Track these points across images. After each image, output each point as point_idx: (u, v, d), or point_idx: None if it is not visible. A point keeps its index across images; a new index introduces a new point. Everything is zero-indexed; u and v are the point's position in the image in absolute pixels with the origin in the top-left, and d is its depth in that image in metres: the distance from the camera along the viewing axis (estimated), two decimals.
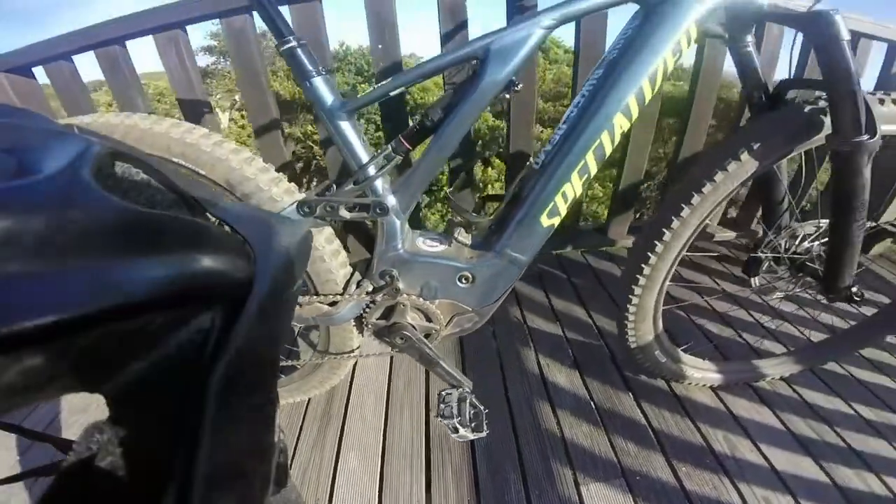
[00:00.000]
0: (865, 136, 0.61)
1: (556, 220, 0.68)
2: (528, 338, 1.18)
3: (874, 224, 1.53)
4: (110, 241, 0.15)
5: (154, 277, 0.16)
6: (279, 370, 0.26)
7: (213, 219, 0.26)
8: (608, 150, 0.64)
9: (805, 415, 0.94)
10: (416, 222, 1.34)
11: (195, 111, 1.11)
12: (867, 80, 1.30)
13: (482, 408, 0.81)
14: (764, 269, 0.86)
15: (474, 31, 1.00)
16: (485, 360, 1.11)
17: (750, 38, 0.66)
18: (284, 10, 0.99)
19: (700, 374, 0.96)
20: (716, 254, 1.53)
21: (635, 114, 0.62)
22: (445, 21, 1.08)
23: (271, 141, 1.18)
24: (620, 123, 0.62)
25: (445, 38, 1.09)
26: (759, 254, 0.84)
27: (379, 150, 0.68)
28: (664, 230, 0.73)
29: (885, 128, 0.65)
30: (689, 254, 0.79)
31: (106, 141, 0.21)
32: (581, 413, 0.96)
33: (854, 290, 0.74)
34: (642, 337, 0.87)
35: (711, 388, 1.00)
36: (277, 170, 0.72)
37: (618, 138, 0.63)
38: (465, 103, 0.63)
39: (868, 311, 1.05)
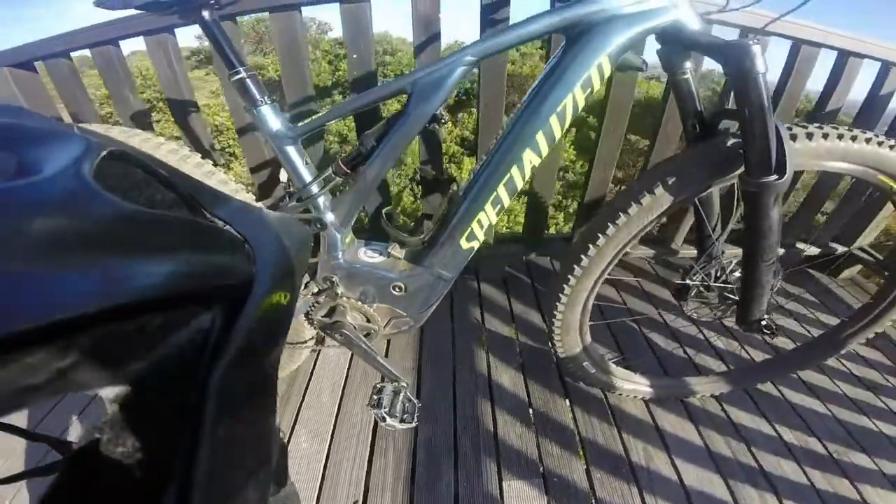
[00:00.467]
0: (772, 178, 0.61)
1: (475, 244, 0.74)
2: (483, 338, 1.25)
3: (846, 249, 1.53)
4: (110, 240, 0.15)
5: (154, 277, 0.16)
6: (278, 370, 0.27)
7: (214, 219, 0.26)
8: (519, 184, 0.68)
9: (727, 433, 0.99)
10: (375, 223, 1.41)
11: (183, 111, 1.19)
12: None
13: (416, 401, 0.89)
14: (693, 295, 0.90)
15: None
16: (440, 356, 1.19)
17: (688, 65, 0.68)
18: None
19: (631, 386, 1.02)
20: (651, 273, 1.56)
21: (545, 150, 0.66)
22: (419, 33, 1.11)
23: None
24: (530, 159, 0.66)
25: (419, 50, 1.13)
26: (688, 281, 0.88)
27: (321, 172, 0.75)
28: (581, 256, 0.78)
29: (804, 161, 0.67)
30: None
31: (106, 141, 0.21)
32: (517, 414, 1.03)
33: (764, 323, 0.78)
34: (569, 348, 0.93)
35: (643, 400, 1.05)
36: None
37: (528, 173, 0.68)
38: (395, 134, 0.68)
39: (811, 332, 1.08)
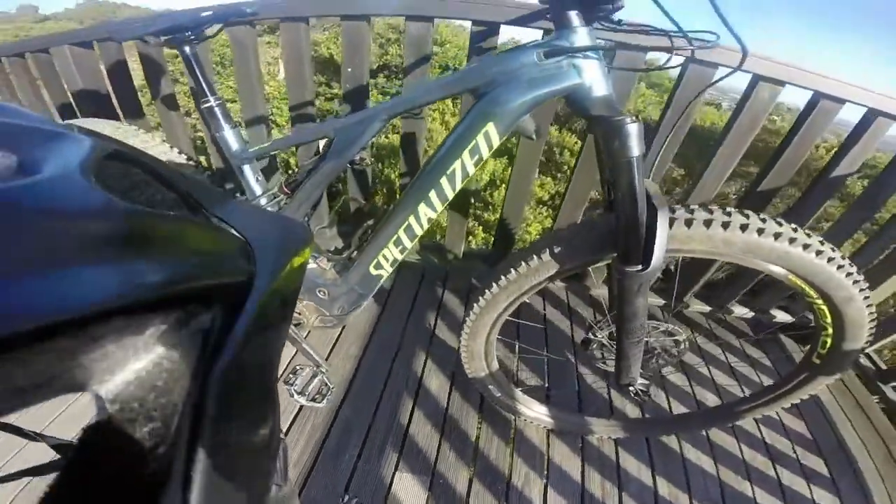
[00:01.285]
0: (636, 268, 0.64)
1: (383, 272, 0.86)
2: (428, 343, 1.38)
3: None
4: (110, 240, 0.15)
5: (154, 277, 0.16)
6: (278, 370, 0.27)
7: (214, 218, 0.26)
8: (417, 231, 0.78)
9: (608, 476, 1.08)
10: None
11: None
12: None
13: (330, 385, 1.04)
14: (594, 347, 0.97)
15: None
16: (384, 350, 1.33)
17: None
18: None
19: (532, 413, 1.12)
20: None
21: (438, 207, 0.75)
22: (410, 54, 1.20)
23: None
24: (425, 212, 0.76)
25: (408, 70, 1.21)
26: (591, 335, 0.95)
27: (268, 189, 0.89)
28: (479, 298, 0.87)
29: (684, 248, 0.67)
30: None
31: (106, 140, 0.22)
32: (432, 416, 1.17)
33: (632, 389, 0.85)
34: (474, 371, 1.03)
35: (545, 429, 1.15)
36: None
37: (425, 224, 0.77)
38: (321, 171, 0.80)
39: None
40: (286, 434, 1.08)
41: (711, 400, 1.30)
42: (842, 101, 1.02)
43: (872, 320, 0.71)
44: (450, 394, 1.23)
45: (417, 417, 1.16)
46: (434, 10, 1.12)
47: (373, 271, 0.86)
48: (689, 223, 0.66)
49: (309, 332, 1.03)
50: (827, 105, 1.03)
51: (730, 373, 1.41)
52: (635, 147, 0.56)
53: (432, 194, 0.74)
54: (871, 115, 1.04)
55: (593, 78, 0.60)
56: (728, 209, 0.68)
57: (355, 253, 0.88)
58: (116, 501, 0.16)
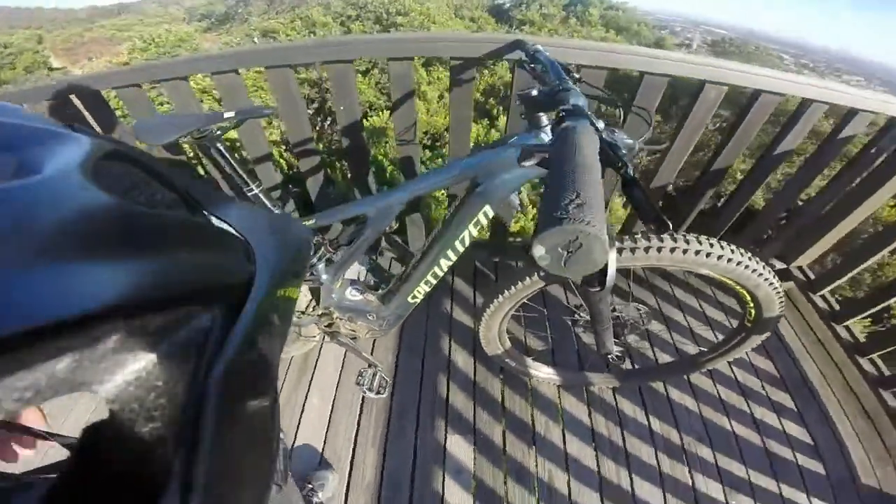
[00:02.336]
0: (596, 289, 0.86)
1: (417, 300, 1.09)
2: (449, 326, 1.64)
3: (784, 266, 1.74)
4: (110, 240, 0.16)
5: (153, 277, 0.16)
6: (278, 371, 0.26)
7: (213, 218, 0.26)
8: (440, 274, 1.01)
9: (610, 418, 1.37)
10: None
11: None
12: None
13: (387, 379, 1.32)
14: (581, 323, 1.25)
15: None
16: (415, 339, 1.60)
17: None
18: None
19: (543, 375, 1.41)
20: None
21: (455, 258, 0.96)
22: (396, 90, 1.32)
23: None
24: (445, 262, 0.97)
25: (395, 106, 1.35)
26: (576, 316, 1.22)
27: (317, 248, 1.10)
28: (486, 309, 1.13)
29: (627, 265, 0.88)
30: None
31: (105, 140, 0.21)
32: (464, 387, 1.44)
33: (609, 356, 1.12)
34: (494, 352, 1.31)
35: (556, 385, 1.44)
36: None
37: (446, 269, 0.99)
38: (361, 239, 1.02)
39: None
40: (358, 427, 1.36)
41: (692, 348, 1.58)
42: (781, 95, 1.19)
43: (780, 297, 0.95)
44: (474, 367, 1.50)
45: (453, 390, 1.43)
46: (413, 51, 1.25)
47: (410, 300, 1.09)
48: (632, 251, 0.87)
49: (355, 338, 1.30)
50: (767, 98, 1.21)
51: (702, 323, 1.69)
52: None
53: (449, 252, 0.95)
54: (806, 103, 1.22)
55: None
56: (664, 235, 0.86)
57: (393, 286, 1.11)
58: (118, 501, 0.16)
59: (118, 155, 0.21)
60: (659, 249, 0.86)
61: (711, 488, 1.25)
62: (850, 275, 1.58)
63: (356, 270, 1.20)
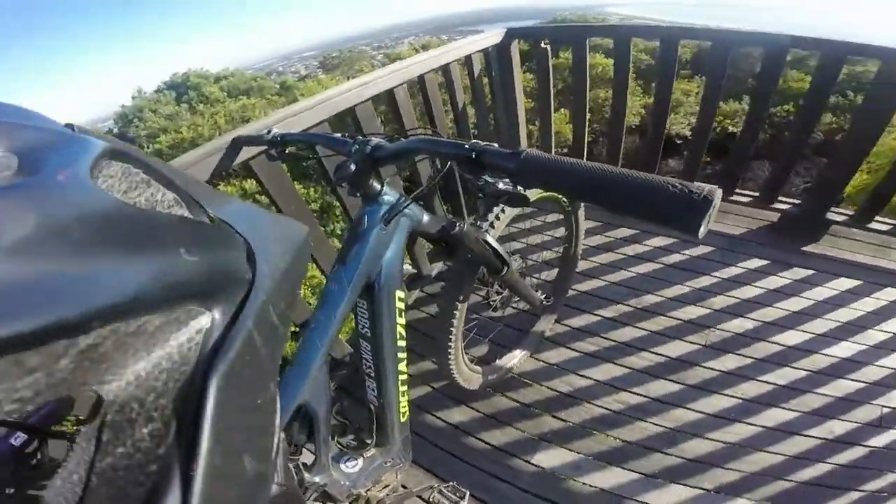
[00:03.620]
0: (504, 270, 0.99)
1: (408, 410, 0.95)
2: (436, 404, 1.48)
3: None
4: (111, 240, 0.15)
5: (154, 278, 0.16)
6: (278, 371, 0.28)
7: (213, 219, 0.26)
8: (406, 377, 0.90)
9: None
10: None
11: None
12: None
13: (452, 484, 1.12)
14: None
15: None
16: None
17: None
18: None
19: (518, 360, 1.46)
20: None
21: (404, 345, 0.87)
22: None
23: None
24: (401, 364, 0.87)
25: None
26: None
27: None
28: (447, 351, 1.11)
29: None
30: None
31: (106, 140, 0.21)
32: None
33: (543, 302, 1.24)
34: (474, 382, 1.32)
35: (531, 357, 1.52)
36: None
37: (406, 368, 0.89)
38: None
39: None
40: None
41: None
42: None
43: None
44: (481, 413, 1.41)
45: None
46: None
47: (402, 421, 0.93)
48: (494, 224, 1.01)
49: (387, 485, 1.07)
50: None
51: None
52: (469, 230, 0.85)
53: (398, 354, 0.85)
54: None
55: (414, 211, 0.80)
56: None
57: (378, 425, 0.92)
58: (118, 500, 0.16)
59: (118, 155, 0.21)
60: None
61: None
62: None
63: (331, 447, 0.94)
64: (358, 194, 0.72)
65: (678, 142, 8.21)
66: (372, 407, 0.90)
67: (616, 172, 0.40)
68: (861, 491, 1.13)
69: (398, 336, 0.83)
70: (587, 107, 2.09)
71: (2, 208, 0.13)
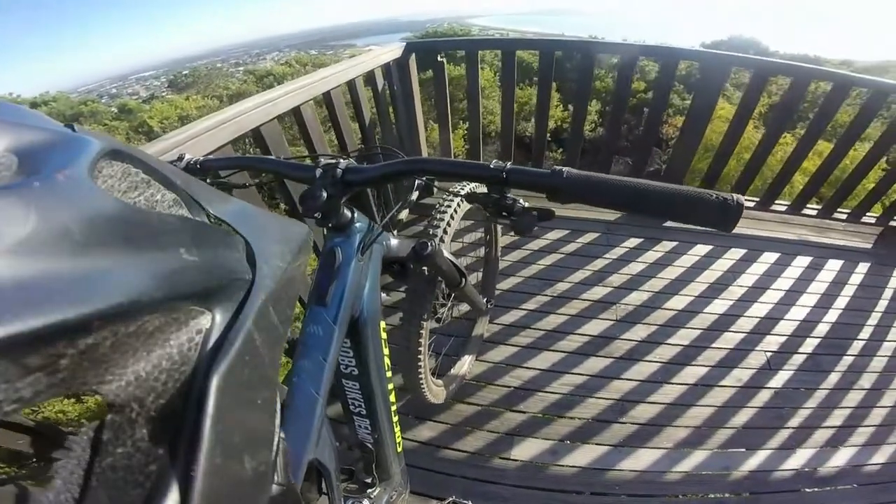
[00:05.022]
0: (460, 284, 0.99)
1: (401, 442, 0.89)
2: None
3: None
4: (110, 241, 0.15)
5: (154, 278, 0.16)
6: (278, 370, 0.27)
7: (213, 219, 0.26)
8: (396, 408, 0.84)
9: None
10: None
11: None
12: None
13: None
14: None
15: None
16: None
17: None
18: None
19: (467, 366, 1.47)
20: None
21: (391, 375, 0.81)
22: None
23: None
24: (390, 394, 0.80)
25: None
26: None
27: None
28: (416, 370, 1.08)
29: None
30: None
31: (105, 140, 0.21)
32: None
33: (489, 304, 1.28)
34: (440, 395, 1.29)
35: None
36: None
37: (395, 398, 0.83)
38: None
39: None
40: None
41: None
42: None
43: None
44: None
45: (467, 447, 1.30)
46: None
47: (399, 451, 0.88)
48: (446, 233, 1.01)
49: None
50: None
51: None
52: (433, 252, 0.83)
53: (387, 386, 0.79)
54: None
55: (385, 236, 0.76)
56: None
57: (378, 464, 0.84)
58: (119, 500, 0.16)
59: (119, 155, 0.20)
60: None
61: None
62: None
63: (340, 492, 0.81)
64: (330, 225, 0.63)
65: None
66: (368, 445, 0.81)
67: (655, 186, 0.44)
68: (788, 428, 1.37)
69: (386, 367, 0.78)
70: (480, 114, 2.23)
71: (2, 208, 0.13)
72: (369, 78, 1.77)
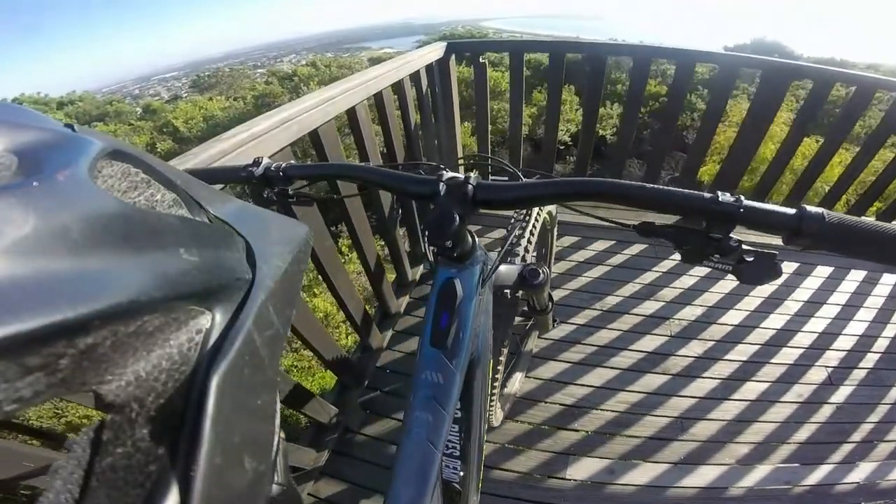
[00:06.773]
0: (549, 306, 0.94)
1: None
2: None
3: None
4: (110, 241, 0.15)
5: (153, 278, 0.16)
6: (279, 371, 0.25)
7: (213, 218, 0.25)
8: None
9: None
10: None
11: None
12: None
13: None
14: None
15: None
16: None
17: None
18: None
19: (518, 383, 1.41)
20: None
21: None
22: None
23: None
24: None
25: None
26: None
27: None
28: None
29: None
30: None
31: (105, 140, 0.21)
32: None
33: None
34: (501, 414, 1.24)
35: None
36: None
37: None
38: None
39: None
40: None
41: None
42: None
43: None
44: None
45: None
46: None
47: (479, 488, 0.77)
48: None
49: None
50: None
51: None
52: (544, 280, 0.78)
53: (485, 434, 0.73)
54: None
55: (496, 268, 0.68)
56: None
57: None
58: (117, 501, 0.16)
59: (118, 155, 0.20)
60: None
61: None
62: None
63: None
64: (455, 255, 0.52)
65: (560, 147, 9.11)
66: (455, 485, 0.74)
67: None
68: (850, 442, 1.32)
69: (488, 406, 0.71)
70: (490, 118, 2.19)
71: (1, 208, 0.13)
72: (414, 78, 1.72)
